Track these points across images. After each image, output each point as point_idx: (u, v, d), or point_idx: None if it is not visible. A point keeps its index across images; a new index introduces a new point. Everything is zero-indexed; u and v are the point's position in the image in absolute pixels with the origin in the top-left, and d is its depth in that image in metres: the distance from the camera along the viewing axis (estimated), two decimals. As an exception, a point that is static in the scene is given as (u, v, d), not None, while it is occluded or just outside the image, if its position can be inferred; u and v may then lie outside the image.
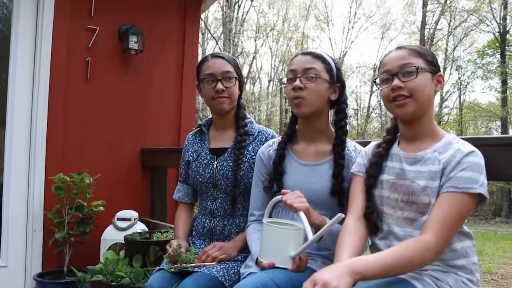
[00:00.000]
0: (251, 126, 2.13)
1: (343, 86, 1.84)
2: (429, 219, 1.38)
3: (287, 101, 1.89)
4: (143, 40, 3.63)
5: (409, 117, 1.50)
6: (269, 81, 25.18)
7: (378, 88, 1.56)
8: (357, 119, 25.02)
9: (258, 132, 2.13)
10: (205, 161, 2.12)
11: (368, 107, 24.64)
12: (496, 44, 20.23)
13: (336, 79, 1.80)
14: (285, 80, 1.83)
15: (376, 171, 1.59)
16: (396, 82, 1.48)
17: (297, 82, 1.75)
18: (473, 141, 1.47)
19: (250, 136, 2.10)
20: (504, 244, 9.64)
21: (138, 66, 3.76)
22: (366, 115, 24.68)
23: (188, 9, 3.99)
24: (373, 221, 1.54)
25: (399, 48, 1.56)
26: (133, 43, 3.55)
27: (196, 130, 2.28)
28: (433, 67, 1.51)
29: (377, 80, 1.56)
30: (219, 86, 2.05)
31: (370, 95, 24.24)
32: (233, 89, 2.09)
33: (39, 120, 3.27)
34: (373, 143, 1.70)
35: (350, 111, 23.73)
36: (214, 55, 2.14)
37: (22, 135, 3.28)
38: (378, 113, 23.72)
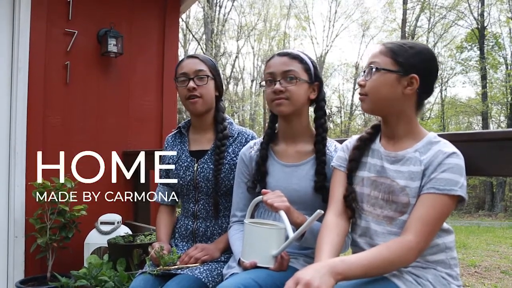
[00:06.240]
0: (230, 128, 2.12)
1: (321, 84, 1.84)
2: (410, 219, 1.39)
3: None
4: (122, 43, 3.61)
5: (371, 113, 1.58)
6: (252, 81, 25.21)
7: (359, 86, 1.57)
8: (341, 116, 25.13)
9: (238, 133, 2.12)
10: (185, 164, 2.11)
11: (351, 104, 24.77)
12: (475, 39, 20.49)
13: (315, 78, 1.80)
14: (263, 83, 1.81)
15: (358, 155, 1.59)
16: (360, 79, 1.54)
17: (278, 86, 1.74)
18: (450, 137, 1.48)
19: (230, 138, 2.10)
20: (487, 237, 9.76)
21: (118, 69, 3.74)
22: (350, 112, 24.80)
23: (167, 10, 3.97)
24: (349, 204, 1.55)
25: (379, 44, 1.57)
26: (112, 46, 3.53)
27: (175, 132, 2.26)
28: (401, 68, 1.46)
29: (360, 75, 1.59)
30: (191, 84, 2.04)
31: (353, 93, 24.36)
32: (205, 88, 2.07)
33: (18, 125, 3.23)
34: (354, 137, 1.69)
35: (333, 109, 23.83)
36: (190, 56, 2.15)
37: (1, 140, 3.24)
38: (361, 110, 23.81)
